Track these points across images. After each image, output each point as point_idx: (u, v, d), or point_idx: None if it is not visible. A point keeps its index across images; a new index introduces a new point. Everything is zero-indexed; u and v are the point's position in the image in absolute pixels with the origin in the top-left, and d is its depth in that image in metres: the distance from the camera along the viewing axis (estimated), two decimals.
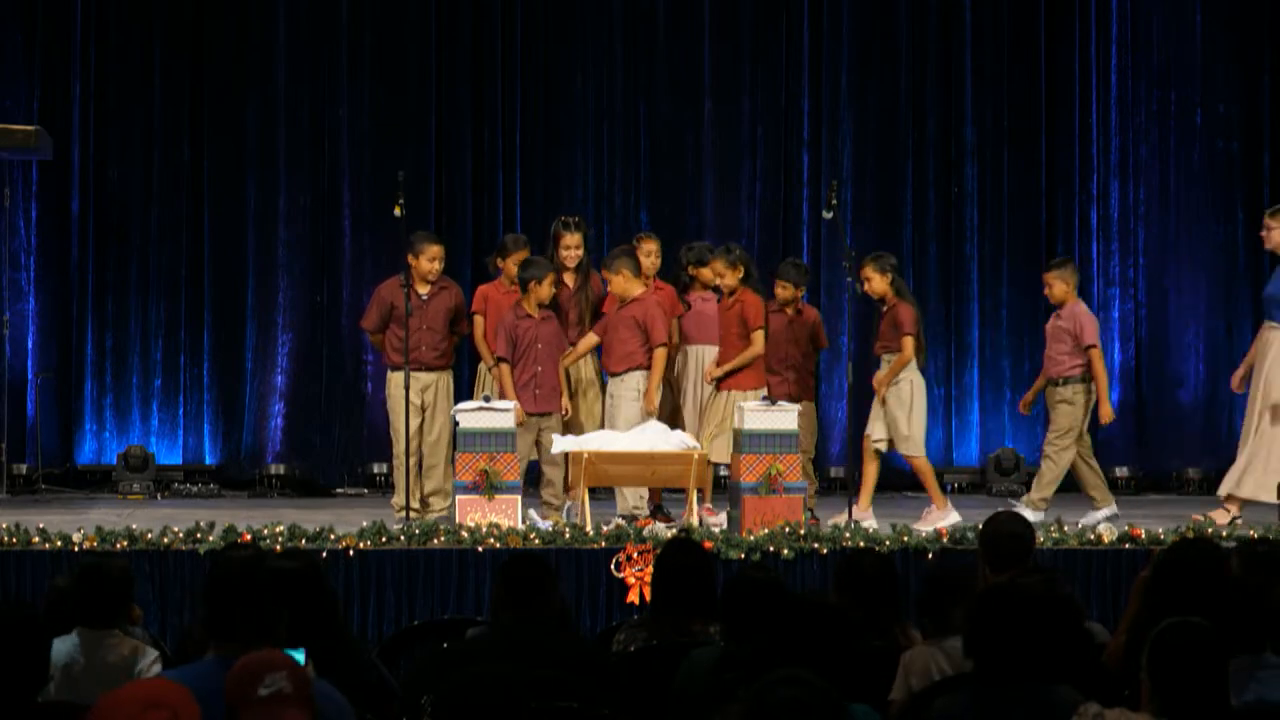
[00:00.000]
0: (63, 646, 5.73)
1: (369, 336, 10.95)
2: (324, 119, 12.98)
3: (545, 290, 10.10)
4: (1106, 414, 10.45)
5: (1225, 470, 13.05)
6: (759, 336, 10.25)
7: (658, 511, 10.21)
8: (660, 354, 10.15)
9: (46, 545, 8.69)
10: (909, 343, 10.28)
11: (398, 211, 10.04)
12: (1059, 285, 10.51)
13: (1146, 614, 5.70)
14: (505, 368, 10.09)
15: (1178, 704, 4.61)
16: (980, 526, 6.78)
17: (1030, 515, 9.93)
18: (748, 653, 5.00)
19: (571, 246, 10.45)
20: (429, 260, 10.26)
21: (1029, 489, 12.74)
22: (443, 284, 10.41)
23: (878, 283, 10.36)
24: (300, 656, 5.03)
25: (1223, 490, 10.50)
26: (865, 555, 6.28)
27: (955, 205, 13.28)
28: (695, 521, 9.41)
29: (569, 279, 10.48)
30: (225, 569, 4.89)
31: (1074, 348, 10.39)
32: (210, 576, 4.96)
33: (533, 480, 10.34)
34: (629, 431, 9.84)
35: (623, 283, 10.16)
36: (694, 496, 9.55)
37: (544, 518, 9.79)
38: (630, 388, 10.13)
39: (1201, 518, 10.04)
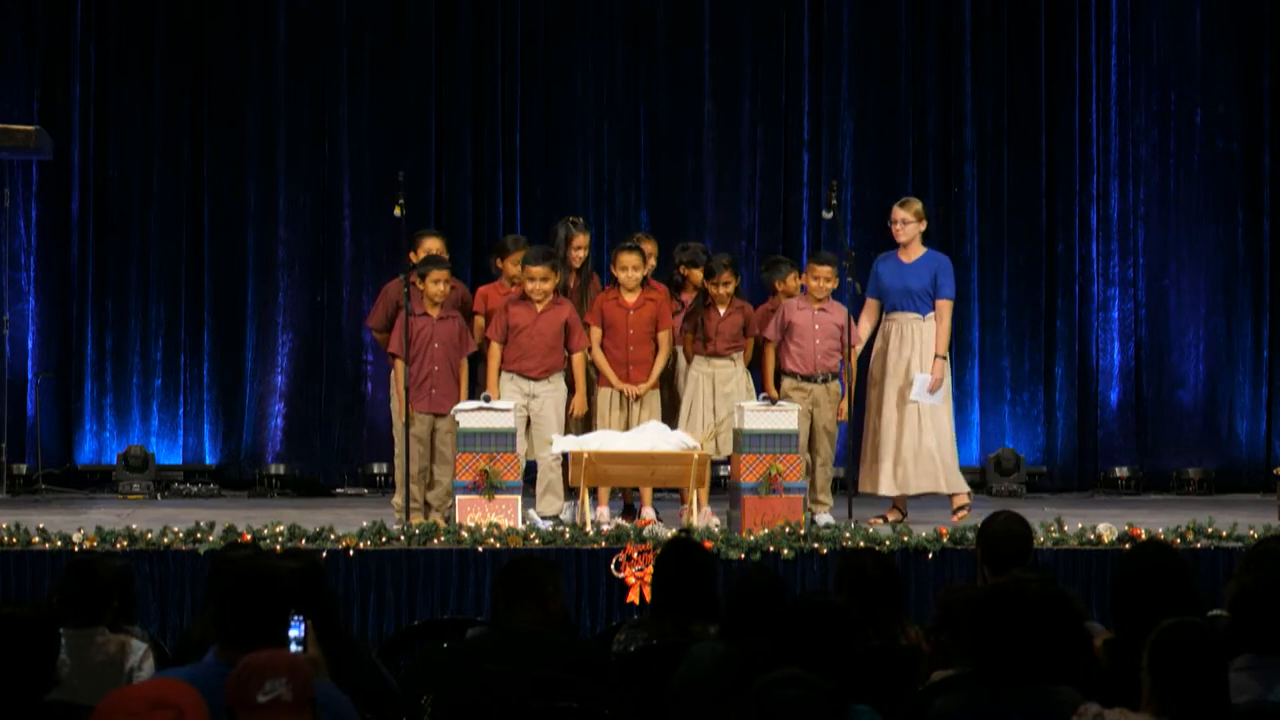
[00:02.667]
0: None
1: (373, 335, 10.95)
2: (324, 119, 12.97)
3: (432, 287, 10.04)
4: (847, 412, 10.48)
5: (1226, 470, 13.13)
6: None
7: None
8: (580, 359, 10.15)
9: (46, 545, 8.70)
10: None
11: (398, 211, 10.05)
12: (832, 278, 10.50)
13: (1120, 619, 5.72)
14: (399, 364, 10.05)
15: (1178, 704, 4.61)
16: (979, 526, 6.78)
17: (829, 518, 9.99)
18: (752, 653, 5.01)
19: (582, 247, 10.47)
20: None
21: (1028, 489, 12.83)
22: (450, 283, 10.36)
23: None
24: (299, 629, 4.96)
25: (889, 489, 10.51)
26: (867, 555, 6.27)
27: (955, 205, 13.28)
28: (695, 521, 9.42)
29: (571, 279, 10.48)
30: (229, 573, 4.88)
31: (839, 345, 10.36)
32: (213, 581, 4.95)
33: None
34: (629, 431, 9.86)
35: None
36: (694, 496, 9.56)
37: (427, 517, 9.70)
38: (560, 389, 10.14)
39: (882, 522, 10.13)
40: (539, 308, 10.04)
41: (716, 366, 10.26)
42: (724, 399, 10.20)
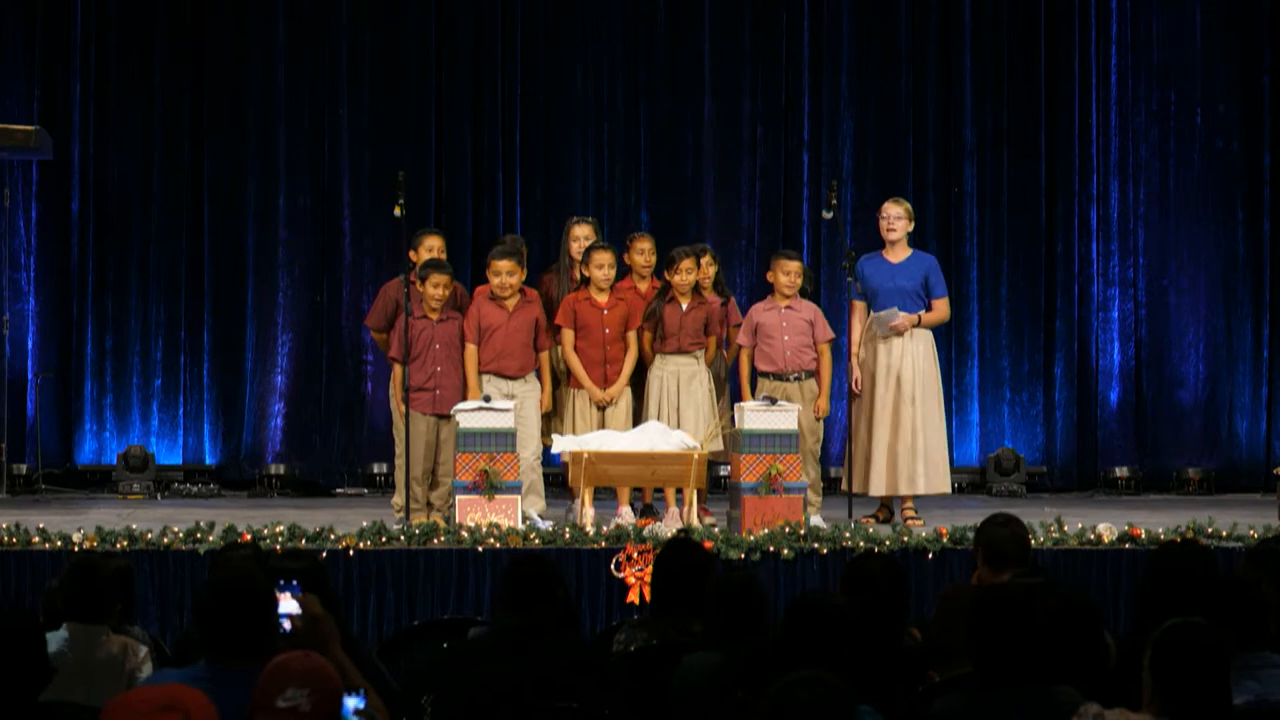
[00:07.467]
0: (52, 643, 5.73)
1: (372, 334, 10.96)
2: (324, 119, 12.97)
3: (431, 290, 10.05)
4: (825, 409, 10.43)
5: (1226, 470, 13.12)
6: None
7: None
8: (544, 356, 10.19)
9: (46, 545, 8.71)
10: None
11: (398, 211, 10.06)
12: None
13: (1141, 617, 5.71)
14: (398, 368, 10.10)
15: (1179, 704, 4.61)
16: (978, 527, 6.78)
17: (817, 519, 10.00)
18: (743, 658, 5.00)
19: (580, 238, 10.47)
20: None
21: (1028, 489, 12.82)
22: (450, 285, 10.37)
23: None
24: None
25: (879, 490, 10.50)
26: (874, 558, 6.26)
27: (955, 205, 13.28)
28: (695, 521, 9.42)
29: (578, 275, 10.50)
30: (215, 588, 4.85)
31: (811, 342, 10.34)
32: (200, 596, 4.89)
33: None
34: (629, 431, 9.86)
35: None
36: (693, 496, 9.56)
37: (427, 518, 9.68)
38: (537, 388, 10.16)
39: (874, 522, 10.09)
40: (510, 305, 10.07)
41: (680, 365, 10.20)
42: (689, 397, 10.15)
